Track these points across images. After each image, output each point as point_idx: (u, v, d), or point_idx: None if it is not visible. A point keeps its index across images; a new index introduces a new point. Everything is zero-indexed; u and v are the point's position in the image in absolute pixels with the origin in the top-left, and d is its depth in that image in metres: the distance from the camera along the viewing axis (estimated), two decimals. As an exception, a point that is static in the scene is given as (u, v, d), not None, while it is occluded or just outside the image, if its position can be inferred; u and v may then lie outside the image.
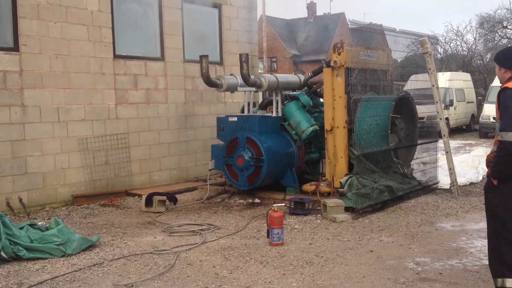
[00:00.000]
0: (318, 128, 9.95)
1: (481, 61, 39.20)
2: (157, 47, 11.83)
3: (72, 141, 10.08)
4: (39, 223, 7.07)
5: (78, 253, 6.66)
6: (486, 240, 5.19)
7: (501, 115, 4.80)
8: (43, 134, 9.63)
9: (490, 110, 22.22)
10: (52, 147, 9.77)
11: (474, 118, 26.77)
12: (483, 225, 7.70)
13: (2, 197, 9.03)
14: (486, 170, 5.21)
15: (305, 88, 10.92)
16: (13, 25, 9.29)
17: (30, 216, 8.95)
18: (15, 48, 9.30)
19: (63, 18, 9.91)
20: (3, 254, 6.27)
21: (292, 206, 8.73)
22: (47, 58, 9.69)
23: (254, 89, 10.37)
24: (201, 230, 7.70)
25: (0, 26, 9.28)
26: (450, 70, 29.77)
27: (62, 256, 6.53)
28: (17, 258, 6.37)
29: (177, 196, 10.03)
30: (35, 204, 9.48)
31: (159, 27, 11.80)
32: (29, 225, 6.85)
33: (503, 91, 4.85)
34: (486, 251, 6.10)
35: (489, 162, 4.99)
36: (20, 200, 9.16)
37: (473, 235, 7.27)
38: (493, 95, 22.53)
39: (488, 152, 5.40)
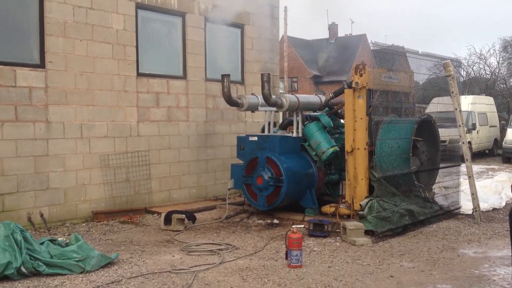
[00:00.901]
0: (338, 149, 9.90)
1: (504, 85, 38.80)
2: (179, 66, 11.96)
3: (94, 157, 10.18)
4: (59, 239, 7.12)
5: (97, 270, 6.67)
6: (509, 268, 5.09)
7: None
8: (66, 150, 9.75)
9: (513, 135, 21.89)
10: (75, 163, 9.88)
11: (497, 142, 26.38)
12: (506, 252, 7.54)
13: (23, 212, 9.13)
14: (509, 196, 5.14)
15: (326, 109, 10.91)
16: (40, 42, 9.49)
17: (51, 231, 9.02)
18: (41, 65, 9.48)
19: (89, 36, 10.09)
20: (23, 269, 6.31)
21: (311, 228, 8.66)
22: (72, 75, 9.85)
23: (275, 109, 10.40)
24: (219, 249, 7.68)
25: (28, 43, 9.48)
26: (472, 94, 29.48)
27: (81, 273, 6.55)
28: (36, 274, 6.42)
29: (196, 214, 10.03)
30: (55, 220, 9.56)
31: (182, 46, 11.94)
32: (49, 240, 6.90)
33: None
34: (510, 279, 5.96)
35: None
36: (41, 215, 9.25)
37: (496, 263, 7.11)
38: (516, 119, 22.27)
39: (513, 178, 5.31)
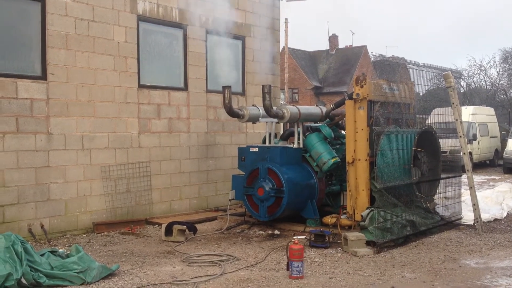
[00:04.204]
0: (339, 160, 9.91)
1: (504, 96, 38.89)
2: (180, 77, 12.01)
3: (95, 168, 10.19)
4: (60, 250, 7.11)
5: (98, 281, 6.66)
6: (511, 278, 5.08)
7: None
8: (67, 162, 9.76)
9: (514, 145, 21.88)
10: (75, 174, 9.88)
11: (498, 153, 26.39)
12: (508, 262, 7.53)
13: (24, 223, 9.12)
14: (510, 206, 5.13)
15: (327, 120, 10.93)
16: (42, 54, 9.53)
17: (51, 242, 9.01)
18: (43, 77, 9.52)
19: (90, 48, 10.14)
20: (24, 281, 6.29)
21: (312, 239, 8.64)
22: (74, 87, 9.89)
23: (276, 120, 10.42)
24: (220, 261, 7.66)
25: (29, 55, 9.53)
26: (473, 104, 29.54)
27: (82, 284, 6.54)
28: (37, 285, 6.40)
29: (197, 225, 10.01)
30: (56, 231, 9.55)
31: (183, 58, 11.99)
32: (50, 252, 6.89)
33: None
34: (512, 290, 5.94)
35: None
36: (42, 227, 9.24)
37: (497, 273, 7.08)
38: (517, 130, 22.27)
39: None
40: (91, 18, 10.16)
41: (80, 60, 9.99)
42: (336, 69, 47.73)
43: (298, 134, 10.36)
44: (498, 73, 39.89)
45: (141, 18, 11.10)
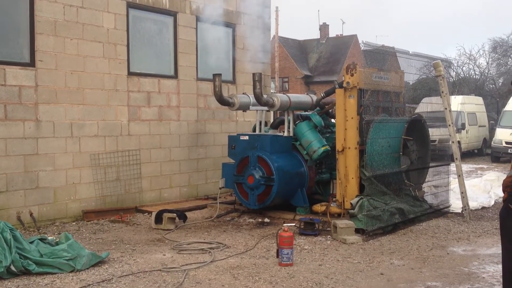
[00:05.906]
0: (329, 149, 9.94)
1: (493, 85, 39.09)
2: (170, 65, 11.94)
3: (84, 156, 10.14)
4: (49, 238, 7.08)
5: (87, 268, 6.65)
6: (498, 266, 5.14)
7: None
8: (56, 149, 9.70)
9: (502, 135, 22.06)
10: (64, 162, 9.83)
11: (486, 142, 26.61)
12: (495, 250, 7.61)
13: (13, 211, 9.07)
14: (498, 194, 5.18)
15: (317, 108, 10.94)
16: (30, 41, 9.42)
17: (40, 230, 8.97)
18: (31, 63, 9.43)
19: (79, 35, 10.05)
20: (13, 268, 6.28)
21: (302, 227, 8.69)
22: (63, 74, 9.81)
23: (266, 108, 10.41)
24: (211, 248, 7.68)
25: (17, 41, 9.43)
26: (462, 94, 29.68)
27: (71, 272, 6.53)
28: (26, 273, 6.38)
29: (187, 213, 10.02)
30: (45, 219, 9.51)
31: (173, 45, 11.92)
32: (39, 239, 6.87)
33: None
34: (498, 277, 6.02)
35: (506, 186, 4.95)
36: (31, 215, 9.20)
37: (485, 260, 7.18)
38: (505, 119, 22.47)
39: (501, 176, 5.36)
40: (80, 5, 10.05)
41: (69, 47, 9.90)
42: (327, 58, 47.66)
43: (288, 123, 10.37)
44: (487, 63, 40.08)
45: (131, 5, 11.00)
